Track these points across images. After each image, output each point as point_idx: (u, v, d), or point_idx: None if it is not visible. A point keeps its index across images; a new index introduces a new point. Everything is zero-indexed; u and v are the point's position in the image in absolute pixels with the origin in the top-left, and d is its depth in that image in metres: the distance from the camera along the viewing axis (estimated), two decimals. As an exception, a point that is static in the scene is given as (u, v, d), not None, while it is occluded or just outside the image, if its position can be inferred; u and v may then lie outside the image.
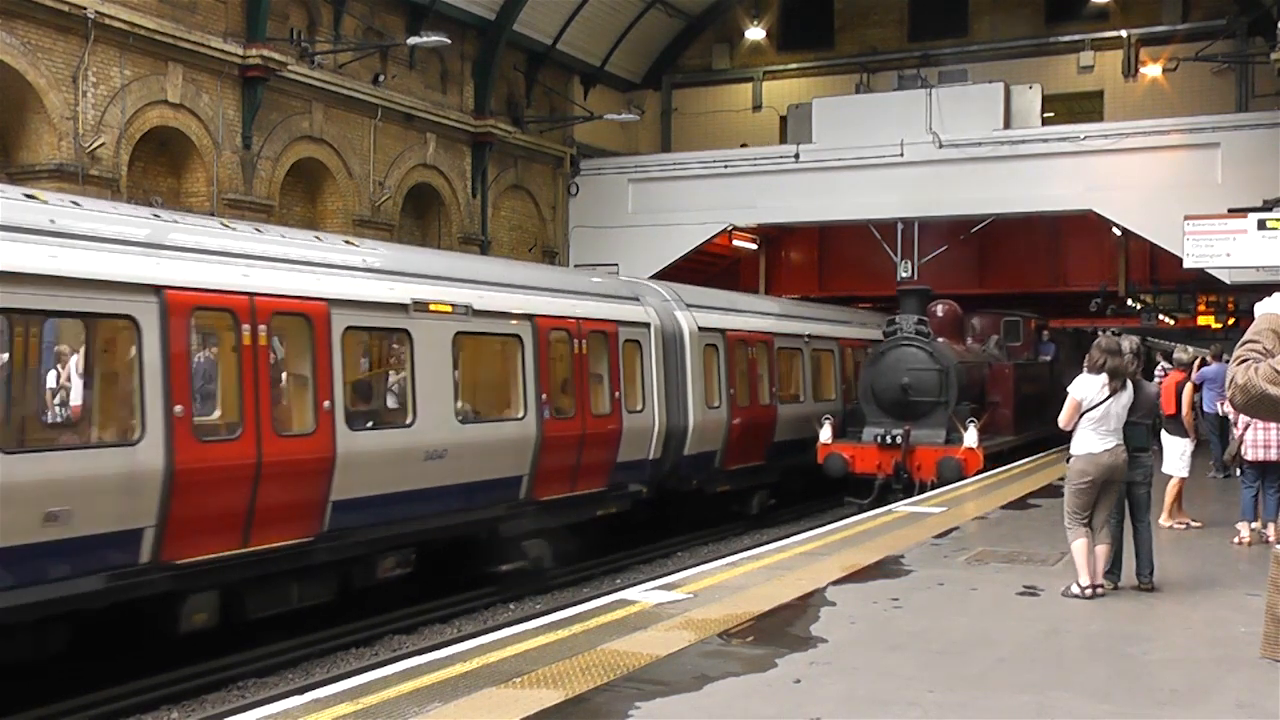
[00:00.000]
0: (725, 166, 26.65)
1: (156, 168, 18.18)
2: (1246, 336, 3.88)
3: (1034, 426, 22.47)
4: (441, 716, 5.92)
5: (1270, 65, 21.76)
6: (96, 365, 9.85)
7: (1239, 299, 25.33)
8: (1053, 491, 15.86)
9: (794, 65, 29.99)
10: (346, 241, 12.50)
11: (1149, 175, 23.37)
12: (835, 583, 9.34)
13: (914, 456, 18.23)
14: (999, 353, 22.53)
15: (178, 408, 9.26)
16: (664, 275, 24.94)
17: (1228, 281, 22.48)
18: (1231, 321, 26.98)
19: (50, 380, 10.95)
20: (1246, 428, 11.32)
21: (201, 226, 10.61)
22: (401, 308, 11.70)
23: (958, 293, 24.92)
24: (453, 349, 12.39)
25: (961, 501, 14.61)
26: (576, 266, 25.90)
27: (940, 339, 19.58)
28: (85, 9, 15.85)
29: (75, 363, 10.84)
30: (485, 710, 6.00)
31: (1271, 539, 11.38)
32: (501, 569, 13.22)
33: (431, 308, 12.09)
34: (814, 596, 8.85)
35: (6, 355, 9.19)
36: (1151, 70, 26.12)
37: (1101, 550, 8.89)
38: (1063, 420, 8.90)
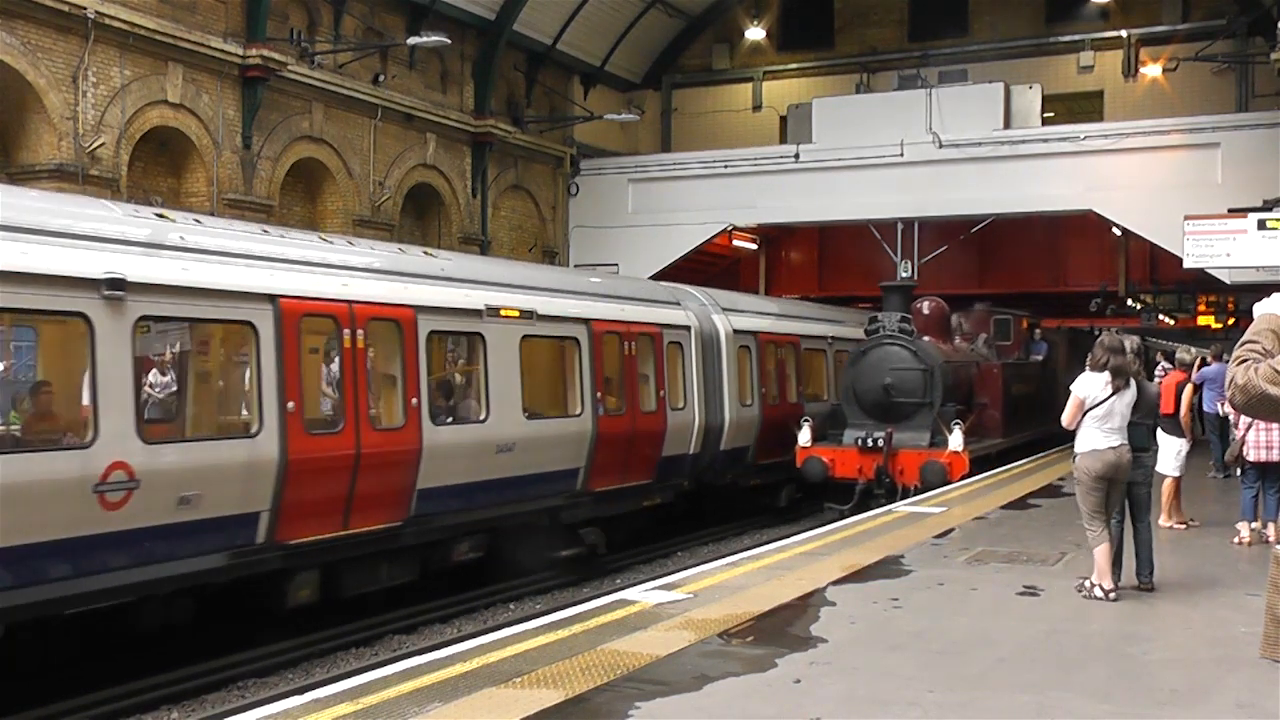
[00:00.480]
0: (725, 166, 26.65)
1: (156, 168, 18.18)
2: (1246, 337, 3.87)
3: (1025, 428, 21.96)
4: (441, 716, 5.92)
5: (1270, 65, 21.76)
6: (221, 365, 11.33)
7: (1239, 299, 25.34)
8: (1053, 491, 15.86)
9: (794, 65, 30.00)
10: (425, 253, 13.75)
11: (1149, 175, 23.37)
12: (835, 583, 9.34)
13: (896, 460, 17.50)
14: (988, 352, 21.71)
15: (290, 404, 10.30)
16: (664, 275, 24.95)
17: (1228, 281, 22.48)
18: (1231, 321, 27.00)
19: (184, 380, 11.81)
20: (1249, 428, 11.32)
21: (307, 241, 11.84)
22: (476, 313, 12.84)
23: (958, 293, 24.92)
24: (519, 351, 13.43)
25: (961, 501, 14.61)
26: (576, 266, 25.90)
27: (926, 338, 18.89)
28: (85, 9, 15.85)
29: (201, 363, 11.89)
30: (485, 710, 6.00)
31: (1271, 539, 11.38)
32: (561, 554, 14.28)
33: (502, 313, 13.18)
34: (814, 596, 8.84)
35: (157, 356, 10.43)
36: (1151, 70, 26.12)
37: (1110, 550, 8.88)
38: (1066, 419, 8.89)
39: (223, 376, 11.57)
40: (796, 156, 25.95)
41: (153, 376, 11.23)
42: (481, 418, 12.84)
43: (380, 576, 11.85)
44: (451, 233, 23.89)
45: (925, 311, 19.71)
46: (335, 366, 11.37)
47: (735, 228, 27.22)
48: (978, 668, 6.95)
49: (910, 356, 18.08)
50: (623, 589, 11.11)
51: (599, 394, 14.66)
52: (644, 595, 8.88)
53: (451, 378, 13.85)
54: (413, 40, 20.53)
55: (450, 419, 12.67)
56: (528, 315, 13.56)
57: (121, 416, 8.97)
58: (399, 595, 12.67)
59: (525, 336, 13.53)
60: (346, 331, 11.04)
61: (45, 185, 15.21)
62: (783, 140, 27.74)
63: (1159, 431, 11.93)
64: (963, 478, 16.84)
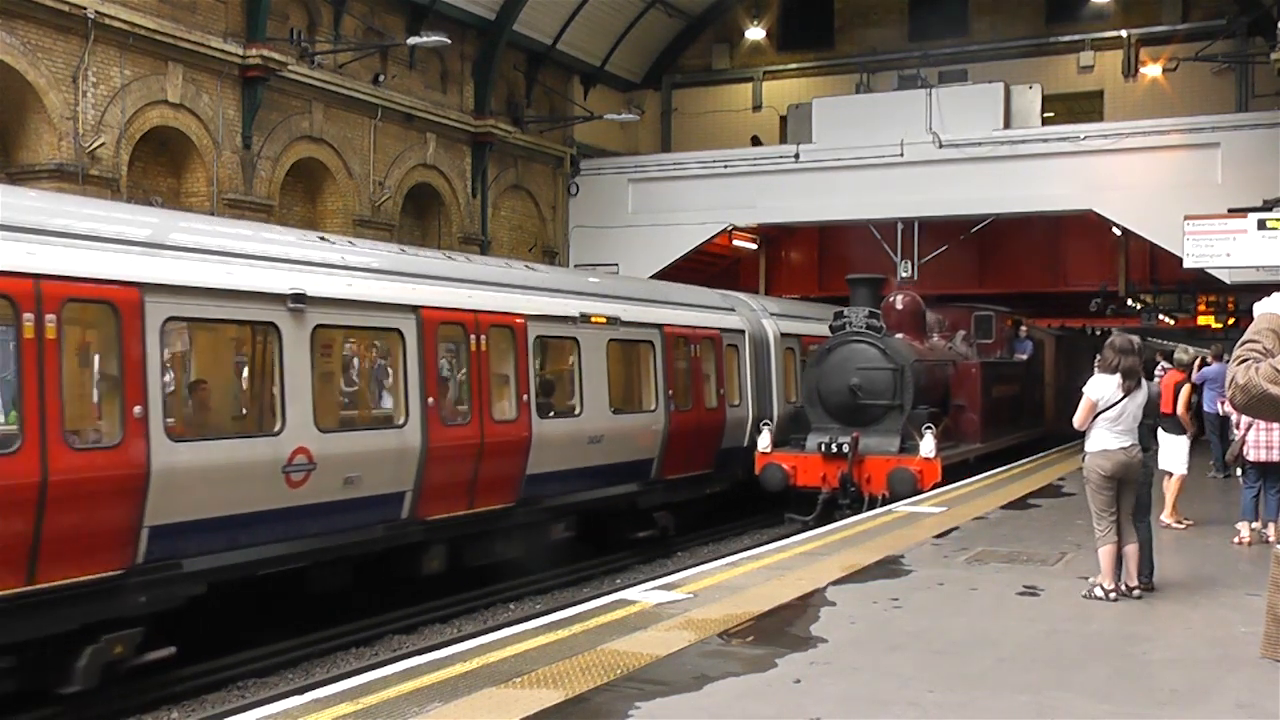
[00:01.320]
0: (725, 166, 26.64)
1: (156, 168, 18.18)
2: (1246, 336, 3.86)
3: (1007, 432, 20.95)
4: (441, 716, 5.92)
5: (1270, 65, 21.75)
6: (374, 366, 13.38)
7: (1239, 299, 25.33)
8: (1053, 491, 15.87)
9: (794, 65, 29.98)
10: (528, 267, 15.73)
11: (1149, 175, 23.36)
12: (835, 583, 9.34)
13: (863, 467, 16.27)
14: (968, 350, 20.44)
15: (430, 399, 11.93)
16: (664, 275, 24.97)
17: (1228, 281, 22.49)
18: (1231, 321, 26.98)
19: (348, 378, 13.74)
20: (1249, 428, 11.32)
21: (437, 258, 13.92)
22: (572, 320, 14.66)
23: (958, 292, 24.91)
24: (606, 353, 15.23)
25: (961, 501, 14.61)
26: (576, 266, 25.90)
27: (900, 335, 17.85)
28: (85, 9, 15.84)
29: (361, 365, 13.87)
30: (485, 710, 6.00)
31: (1272, 539, 11.38)
32: (638, 535, 15.93)
33: (592, 320, 15.04)
34: (814, 596, 8.85)
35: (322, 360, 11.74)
36: (1151, 70, 26.13)
37: (1131, 550, 8.88)
38: (1077, 420, 8.90)
39: (376, 375, 13.46)
40: (796, 156, 25.95)
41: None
42: (577, 412, 14.62)
43: (494, 551, 13.43)
44: (451, 233, 23.88)
45: (898, 306, 18.61)
46: (464, 367, 13.05)
47: (735, 228, 27.22)
48: (978, 668, 6.95)
49: (879, 355, 16.87)
50: (623, 589, 11.11)
51: (670, 391, 16.47)
52: (644, 595, 8.88)
53: (552, 377, 15.33)
54: (413, 40, 20.53)
55: (552, 413, 14.37)
56: (613, 321, 15.40)
57: (303, 410, 10.55)
58: (399, 595, 12.69)
59: (611, 340, 15.36)
60: (473, 336, 12.76)
61: (45, 185, 15.21)
62: (783, 140, 27.73)
63: (1162, 431, 12.00)
64: (934, 486, 15.62)
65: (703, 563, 11.77)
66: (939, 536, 11.77)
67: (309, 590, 11.32)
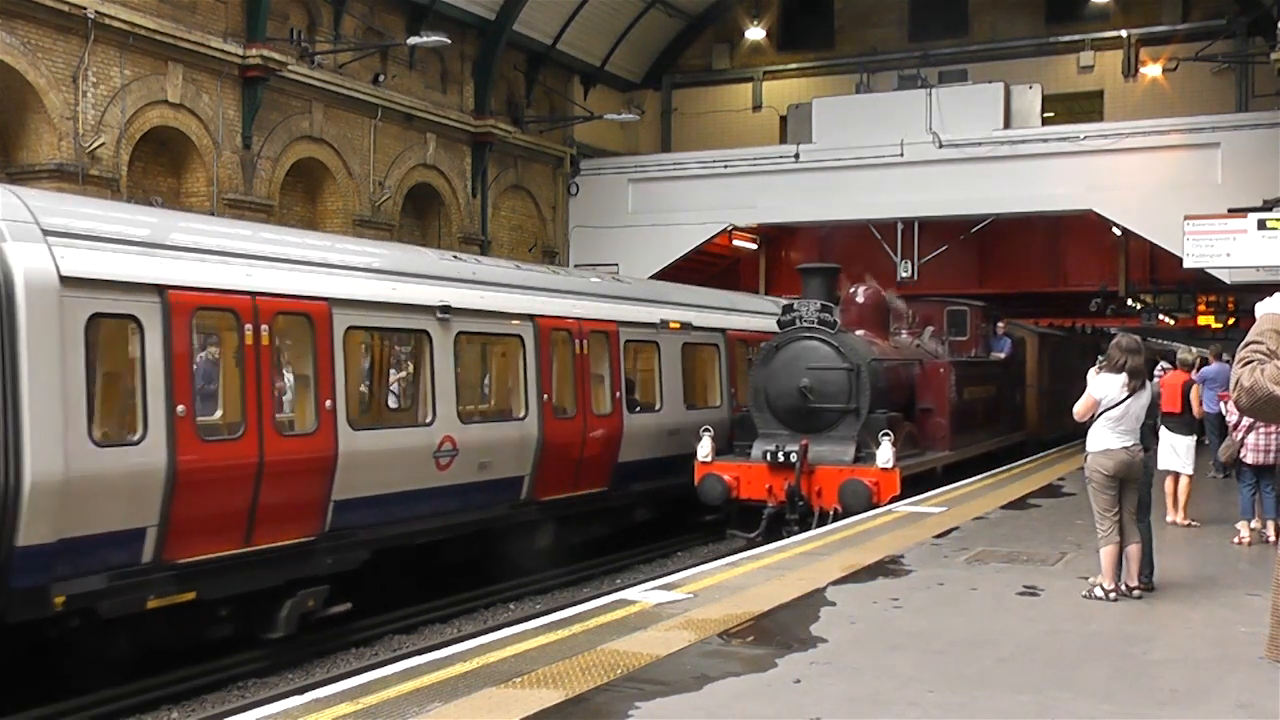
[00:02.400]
0: (725, 166, 26.65)
1: (156, 168, 18.18)
2: (1249, 338, 3.82)
3: (981, 438, 19.07)
4: (441, 716, 5.91)
5: (1270, 65, 21.76)
6: (500, 366, 15.02)
7: (1239, 299, 25.33)
8: (1053, 491, 15.86)
9: (794, 65, 29.99)
10: (616, 278, 18.12)
11: (1149, 175, 23.37)
12: (835, 583, 9.33)
13: (813, 478, 14.65)
14: (939, 348, 18.66)
15: (545, 395, 13.78)
16: (664, 275, 24.97)
17: (1228, 281, 22.49)
18: (1231, 321, 26.99)
19: (484, 377, 15.69)
20: (1249, 430, 11.31)
21: (546, 272, 15.99)
22: (654, 326, 16.58)
23: (958, 293, 24.88)
24: (681, 355, 17.16)
25: (961, 501, 14.60)
26: (576, 266, 25.90)
27: (860, 331, 16.32)
28: (85, 9, 15.85)
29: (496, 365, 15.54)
30: (485, 710, 6.00)
31: (1272, 539, 11.39)
32: (706, 519, 16.49)
33: (670, 325, 16.88)
34: (814, 596, 8.84)
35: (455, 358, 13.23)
36: (1151, 70, 26.13)
37: (1133, 550, 8.88)
38: (1078, 411, 8.91)
39: (501, 374, 15.07)
40: (796, 156, 25.96)
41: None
42: (657, 408, 16.50)
43: (590, 530, 15.28)
44: (451, 233, 23.89)
45: (859, 300, 16.93)
46: (569, 367, 14.63)
47: (735, 228, 27.22)
48: (978, 668, 6.95)
49: (832, 353, 15.20)
50: (623, 589, 11.10)
51: (733, 389, 18.09)
52: (644, 595, 8.87)
53: (637, 376, 16.94)
54: (413, 40, 20.53)
55: (639, 409, 16.16)
56: (687, 326, 17.26)
57: (449, 404, 12.41)
58: (399, 595, 12.69)
59: (685, 344, 17.23)
60: (577, 341, 14.63)
61: (45, 185, 15.21)
62: (783, 140, 27.73)
63: (1167, 430, 12.04)
64: (893, 500, 14.18)
65: (703, 563, 11.77)
66: (939, 536, 11.76)
67: (444, 560, 12.97)
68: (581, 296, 15.26)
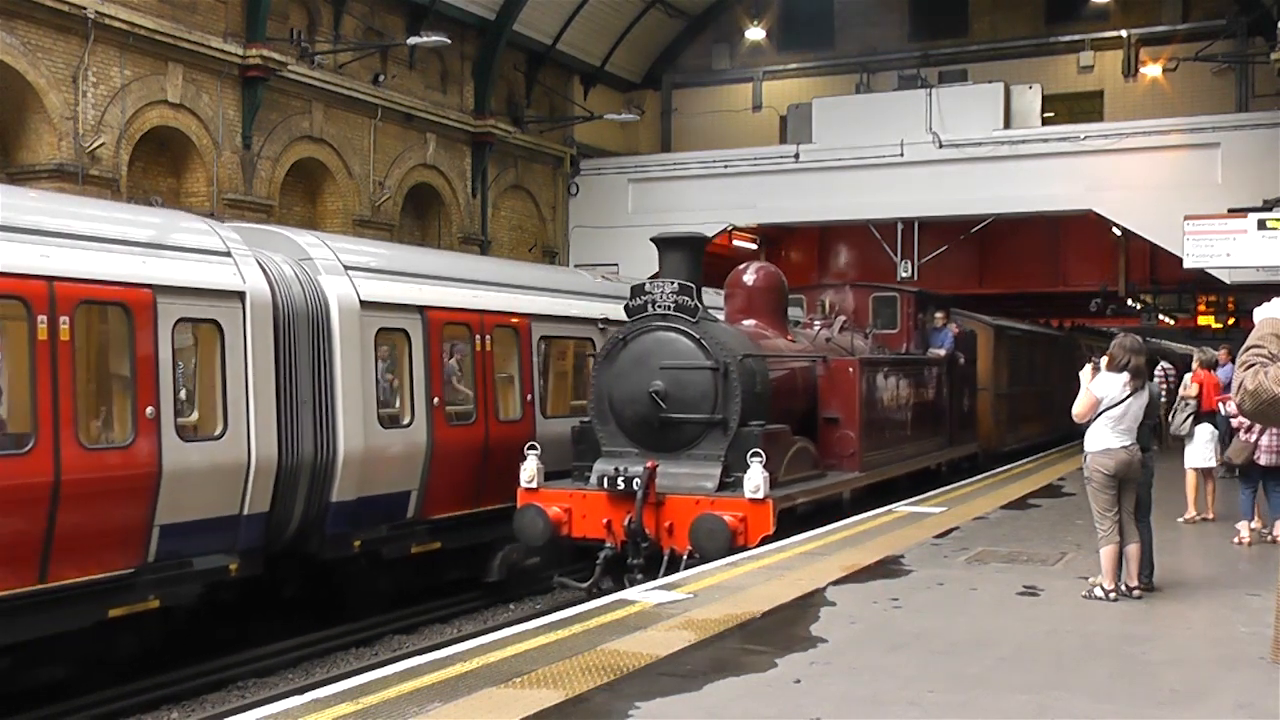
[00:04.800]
0: (725, 166, 26.64)
1: (156, 168, 18.17)
2: (1250, 342, 3.79)
3: (908, 453, 15.52)
4: (441, 716, 5.91)
5: (1270, 65, 21.77)
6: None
7: (1239, 299, 25.34)
8: (1053, 491, 15.86)
9: (794, 65, 29.97)
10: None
11: (1149, 175, 23.36)
12: (835, 583, 9.33)
13: (662, 511, 11.47)
14: (863, 343, 15.51)
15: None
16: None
17: (1228, 281, 22.49)
18: (1231, 322, 26.99)
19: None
20: (1263, 431, 11.28)
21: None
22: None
23: (958, 293, 24.82)
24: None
25: (961, 501, 14.60)
26: (577, 266, 25.89)
27: (750, 321, 13.45)
28: (85, 9, 15.84)
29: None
30: (485, 710, 6.00)
31: (1277, 539, 11.41)
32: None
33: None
34: (814, 596, 8.84)
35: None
36: (1151, 70, 26.14)
37: (1132, 550, 8.88)
38: (1077, 412, 8.92)
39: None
40: (796, 156, 25.95)
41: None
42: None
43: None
44: (451, 233, 23.89)
45: (749, 281, 13.96)
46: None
47: (735, 228, 27.21)
48: (978, 668, 6.95)
49: (693, 348, 11.95)
50: (623, 589, 11.09)
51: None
52: (644, 595, 8.87)
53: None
54: (413, 40, 20.52)
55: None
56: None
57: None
58: (399, 596, 12.69)
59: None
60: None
61: (45, 185, 15.22)
62: (783, 140, 27.73)
63: (1203, 426, 12.58)
64: (765, 541, 11.09)
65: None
66: (939, 536, 11.76)
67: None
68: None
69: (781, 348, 13.49)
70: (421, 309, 12.65)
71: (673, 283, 12.19)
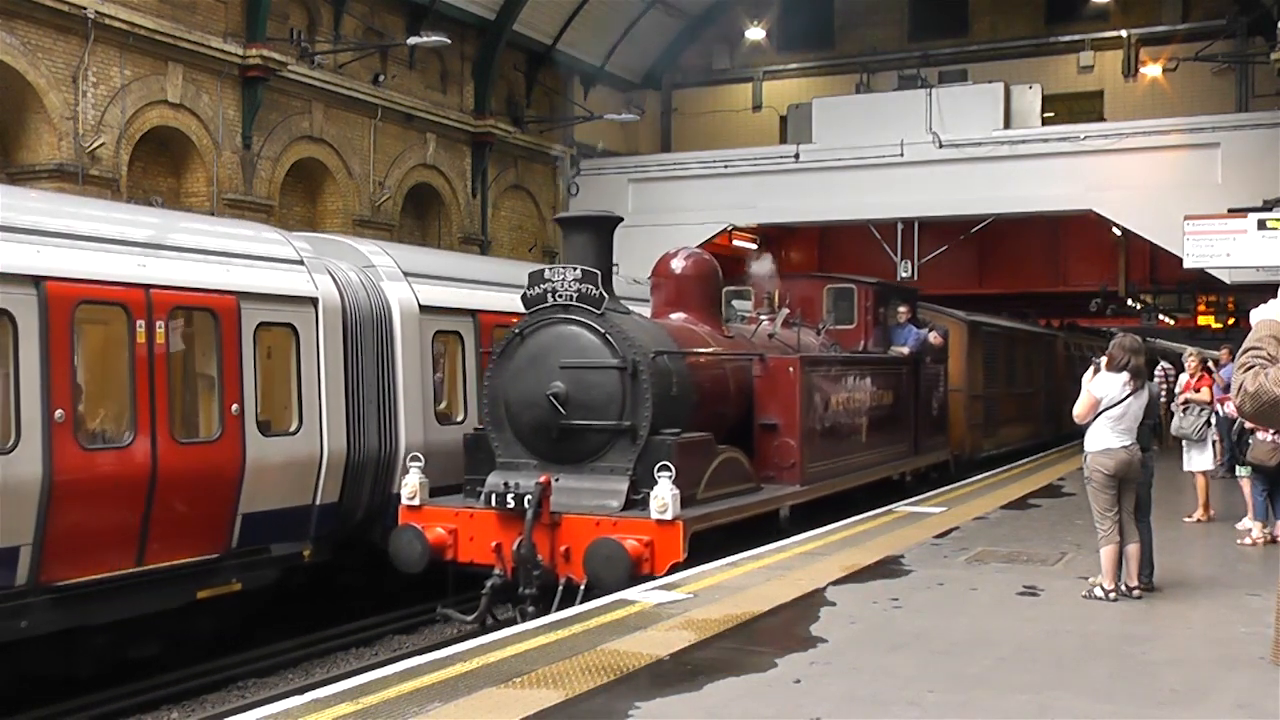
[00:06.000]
0: (725, 166, 26.64)
1: (156, 168, 18.17)
2: (1248, 344, 3.77)
3: (860, 463, 13.98)
4: (441, 716, 5.92)
5: (1270, 65, 21.76)
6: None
7: (1239, 299, 25.34)
8: (1053, 491, 15.86)
9: (794, 65, 29.99)
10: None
11: (1149, 175, 23.35)
12: (835, 583, 9.33)
13: (558, 534, 10.04)
14: (814, 339, 14.22)
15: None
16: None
17: (1228, 281, 22.49)
18: (1231, 322, 27.00)
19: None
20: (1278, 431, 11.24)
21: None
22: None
23: (958, 293, 24.79)
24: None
25: (961, 501, 14.60)
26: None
27: (679, 315, 12.17)
28: (85, 9, 15.84)
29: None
30: (485, 710, 6.00)
31: (1279, 538, 11.41)
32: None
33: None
34: (814, 596, 8.84)
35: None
36: (1151, 70, 26.14)
37: (1132, 550, 8.88)
38: (1078, 414, 8.92)
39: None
40: (796, 156, 25.94)
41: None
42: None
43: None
44: (451, 232, 23.89)
45: (677, 269, 12.57)
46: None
47: (735, 228, 27.21)
48: (978, 668, 6.95)
49: (598, 344, 10.52)
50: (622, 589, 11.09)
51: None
52: (644, 595, 8.87)
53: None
54: (413, 40, 20.52)
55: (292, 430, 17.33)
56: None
57: None
58: (399, 596, 12.68)
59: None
60: (139, 323, 14.45)
61: (45, 185, 15.22)
62: (783, 140, 27.72)
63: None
64: (674, 569, 9.72)
65: (702, 563, 11.72)
66: (939, 536, 11.76)
67: None
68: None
69: (710, 344, 12.05)
70: (473, 312, 13.53)
71: (575, 269, 10.71)
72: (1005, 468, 19.12)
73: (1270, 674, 4.66)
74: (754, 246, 29.35)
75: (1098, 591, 8.77)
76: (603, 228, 11.37)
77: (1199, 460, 12.89)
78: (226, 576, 10.36)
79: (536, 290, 10.83)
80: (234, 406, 10.37)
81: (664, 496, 9.81)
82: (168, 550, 9.82)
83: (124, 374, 9.61)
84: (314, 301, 11.40)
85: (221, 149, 18.41)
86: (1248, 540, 11.53)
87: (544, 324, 10.72)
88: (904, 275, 25.02)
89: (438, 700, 6.14)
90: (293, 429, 11.10)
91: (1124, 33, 26.70)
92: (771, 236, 29.44)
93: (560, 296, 10.70)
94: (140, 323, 9.64)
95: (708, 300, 12.62)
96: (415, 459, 11.01)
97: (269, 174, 19.42)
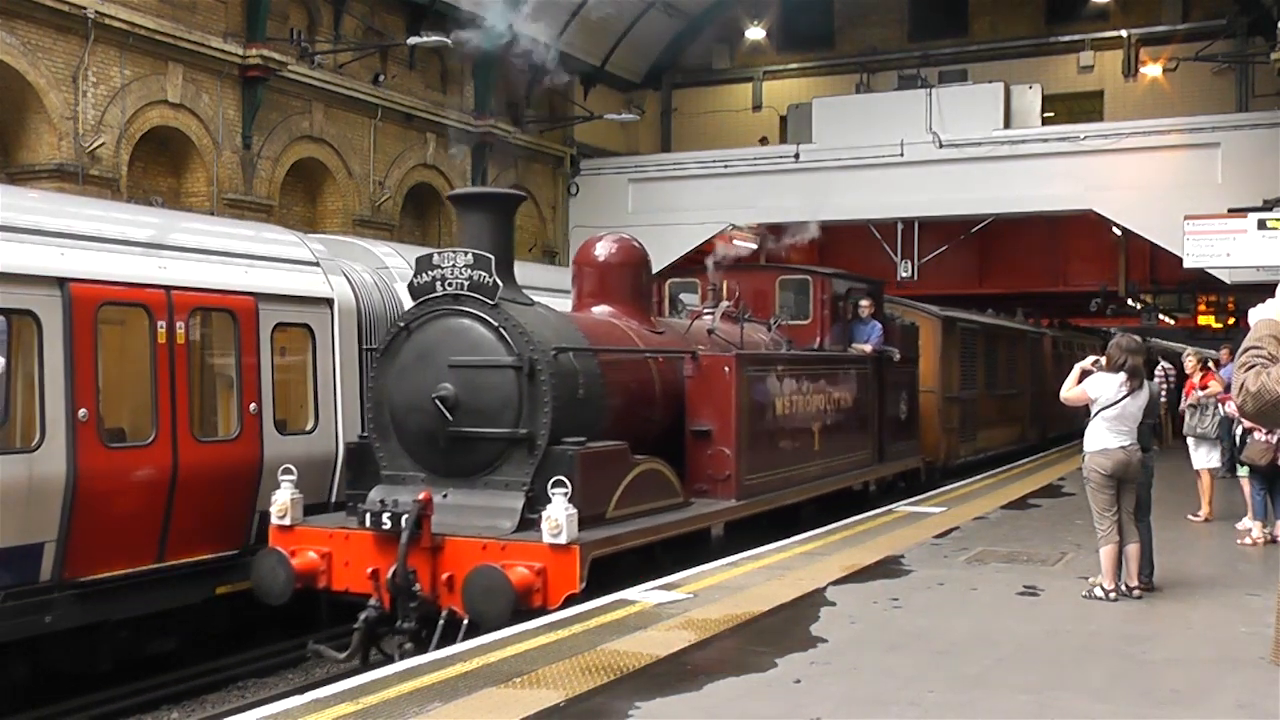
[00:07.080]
0: (725, 166, 26.64)
1: (156, 168, 18.17)
2: (1247, 344, 3.76)
3: (811, 474, 12.66)
4: (441, 716, 5.91)
5: (1270, 65, 21.75)
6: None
7: (1239, 299, 25.34)
8: (1053, 491, 15.87)
9: (794, 65, 29.99)
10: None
11: (1149, 175, 23.36)
12: (835, 583, 9.33)
13: (441, 559, 8.75)
14: (765, 336, 13.12)
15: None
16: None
17: (1228, 281, 22.49)
18: (1231, 322, 27.01)
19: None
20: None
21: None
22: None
23: (958, 293, 24.77)
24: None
25: (961, 501, 14.61)
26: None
27: (603, 308, 11.09)
28: (85, 9, 15.84)
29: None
30: (485, 710, 6.00)
31: (1279, 537, 11.41)
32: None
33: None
34: (814, 596, 8.84)
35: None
36: (1151, 70, 26.15)
37: (1132, 550, 8.88)
38: (1063, 395, 8.96)
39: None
40: (796, 156, 25.95)
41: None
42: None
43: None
44: (451, 233, 23.87)
45: (600, 256, 11.41)
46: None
47: (735, 227, 27.20)
48: (978, 668, 6.95)
49: (492, 340, 9.25)
50: (623, 589, 11.09)
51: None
52: (644, 595, 8.86)
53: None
54: (413, 40, 20.49)
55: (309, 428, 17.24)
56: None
57: None
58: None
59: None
60: (161, 323, 14.63)
61: (45, 185, 15.21)
62: (783, 140, 27.72)
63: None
64: (571, 602, 8.44)
65: (702, 563, 11.72)
66: (939, 536, 11.77)
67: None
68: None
69: (635, 340, 10.76)
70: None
71: (466, 253, 9.38)
72: (1006, 467, 19.07)
73: (1270, 674, 4.65)
74: (754, 247, 29.36)
75: (1098, 591, 8.77)
76: (501, 207, 10.16)
77: (1208, 458, 12.90)
78: (245, 573, 10.42)
79: (424, 279, 9.51)
80: (252, 406, 10.62)
81: (557, 517, 8.41)
82: (188, 547, 10.04)
83: (145, 374, 9.78)
84: (329, 302, 11.62)
85: (221, 149, 18.41)
86: (1248, 540, 11.54)
87: (431, 316, 9.42)
88: (904, 275, 25.05)
89: (438, 700, 6.14)
90: (309, 428, 11.34)
91: (1124, 33, 26.71)
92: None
93: (450, 285, 9.38)
94: (161, 323, 9.87)
95: (634, 292, 11.33)
96: (287, 471, 9.55)
97: (269, 174, 19.42)
